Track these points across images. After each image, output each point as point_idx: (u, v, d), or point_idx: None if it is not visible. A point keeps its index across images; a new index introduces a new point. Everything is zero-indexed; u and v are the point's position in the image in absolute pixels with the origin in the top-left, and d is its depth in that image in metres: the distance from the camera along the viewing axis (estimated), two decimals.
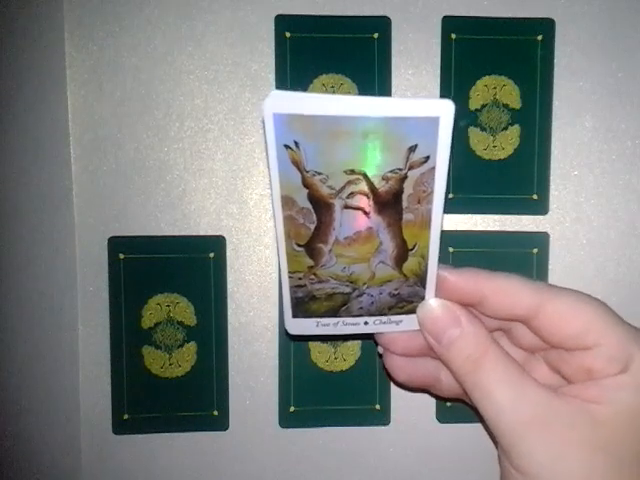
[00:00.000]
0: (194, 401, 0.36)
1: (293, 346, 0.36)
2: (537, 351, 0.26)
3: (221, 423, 0.36)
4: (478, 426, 0.36)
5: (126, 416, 0.36)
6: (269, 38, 0.35)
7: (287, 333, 0.26)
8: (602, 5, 0.36)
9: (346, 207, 0.22)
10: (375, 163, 0.21)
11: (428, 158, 0.21)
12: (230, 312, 0.36)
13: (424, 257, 0.23)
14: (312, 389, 0.36)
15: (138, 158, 0.36)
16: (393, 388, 0.36)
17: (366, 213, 0.22)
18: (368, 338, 0.36)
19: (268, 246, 0.36)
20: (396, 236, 0.23)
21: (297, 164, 0.21)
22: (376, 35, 0.35)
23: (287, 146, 0.20)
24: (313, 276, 0.24)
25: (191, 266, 0.36)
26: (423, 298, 0.24)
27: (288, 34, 0.35)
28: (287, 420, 0.36)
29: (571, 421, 0.22)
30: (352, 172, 0.21)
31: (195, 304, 0.36)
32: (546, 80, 0.36)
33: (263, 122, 0.20)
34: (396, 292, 0.24)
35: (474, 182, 0.36)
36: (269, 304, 0.36)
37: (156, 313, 0.36)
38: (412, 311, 0.25)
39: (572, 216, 0.36)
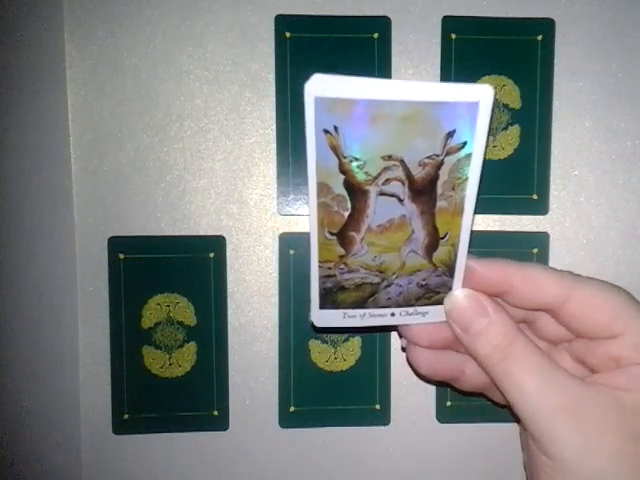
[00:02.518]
0: (194, 401, 0.36)
1: (293, 346, 0.36)
2: (560, 342, 0.26)
3: (221, 423, 0.36)
4: (478, 426, 0.37)
5: (126, 416, 0.36)
6: (269, 38, 0.35)
7: (312, 326, 0.25)
8: (602, 5, 0.36)
9: (381, 194, 0.21)
10: (412, 148, 0.20)
11: (465, 144, 0.21)
12: (230, 312, 0.36)
13: (454, 246, 0.23)
14: (312, 389, 0.36)
15: (138, 158, 0.36)
16: (393, 388, 0.36)
17: (400, 200, 0.22)
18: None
19: (268, 246, 0.36)
20: (428, 224, 0.22)
21: (335, 149, 0.20)
22: (376, 35, 0.35)
23: (326, 131, 0.20)
24: (343, 265, 0.23)
25: (191, 266, 0.36)
26: (450, 288, 0.24)
27: (288, 34, 0.35)
28: (287, 420, 0.36)
29: (601, 409, 0.22)
30: (389, 158, 0.21)
31: (195, 304, 0.36)
32: (546, 80, 0.36)
33: (303, 106, 0.19)
34: (424, 282, 0.24)
35: None
36: (269, 304, 0.36)
37: (156, 313, 0.36)
38: (439, 302, 0.25)
39: (572, 216, 0.36)
